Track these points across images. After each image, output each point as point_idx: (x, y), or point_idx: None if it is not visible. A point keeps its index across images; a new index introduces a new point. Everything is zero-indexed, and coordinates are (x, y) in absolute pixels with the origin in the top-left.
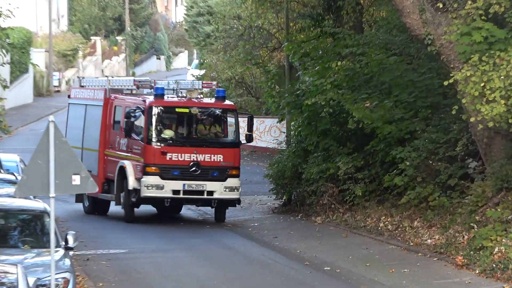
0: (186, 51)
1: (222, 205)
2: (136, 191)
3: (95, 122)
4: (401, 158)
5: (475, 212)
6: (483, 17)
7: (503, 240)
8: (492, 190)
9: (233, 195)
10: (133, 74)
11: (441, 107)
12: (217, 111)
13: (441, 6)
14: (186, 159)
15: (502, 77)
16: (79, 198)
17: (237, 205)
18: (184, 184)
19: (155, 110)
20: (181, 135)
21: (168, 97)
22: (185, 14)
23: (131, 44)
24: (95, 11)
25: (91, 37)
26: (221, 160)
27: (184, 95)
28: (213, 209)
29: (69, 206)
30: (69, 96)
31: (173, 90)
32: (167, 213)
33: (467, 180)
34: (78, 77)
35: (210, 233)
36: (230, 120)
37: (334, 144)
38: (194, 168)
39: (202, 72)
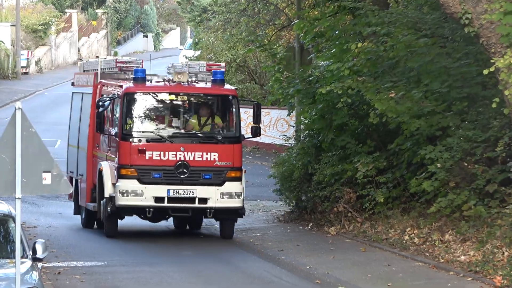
0: (178, 28)
1: (223, 217)
2: (112, 199)
3: (87, 115)
4: (431, 159)
5: None
6: None
7: None
8: None
9: (233, 203)
10: (115, 54)
11: (480, 99)
12: (213, 98)
13: None
14: (171, 158)
15: None
16: (77, 209)
17: (242, 216)
18: (168, 190)
19: (133, 98)
20: (165, 129)
21: (152, 81)
22: None
23: (113, 18)
24: None
25: (66, 10)
26: (216, 159)
27: (171, 78)
28: (218, 222)
29: (38, 209)
30: (72, 84)
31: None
32: (184, 228)
33: (509, 186)
34: (80, 59)
35: (204, 245)
36: (230, 109)
37: (352, 142)
38: (181, 170)
39: (197, 53)
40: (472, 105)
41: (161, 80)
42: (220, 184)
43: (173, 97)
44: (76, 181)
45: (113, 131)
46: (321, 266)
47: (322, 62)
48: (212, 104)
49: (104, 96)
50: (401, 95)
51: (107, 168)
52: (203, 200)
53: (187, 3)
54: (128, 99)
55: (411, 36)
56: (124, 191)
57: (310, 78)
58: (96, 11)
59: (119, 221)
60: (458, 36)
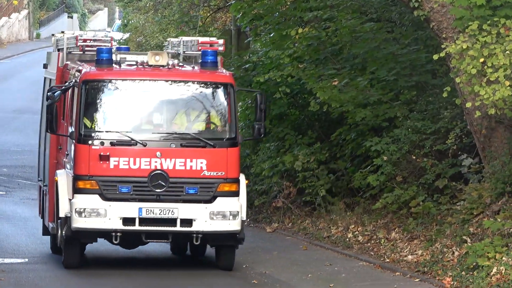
0: (106, 9)
1: (215, 243)
2: (68, 220)
3: None
4: (377, 151)
5: (468, 222)
6: None
7: (504, 258)
8: (491, 195)
9: (227, 226)
10: (38, 36)
11: (429, 88)
12: (202, 87)
13: None
14: (143, 166)
15: (507, 52)
16: (45, 229)
17: (242, 242)
18: (140, 209)
19: (94, 87)
20: (136, 128)
21: (121, 65)
22: None
23: None
24: None
25: None
26: (204, 167)
27: (145, 60)
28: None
29: None
30: (44, 66)
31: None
32: (184, 254)
33: (460, 181)
34: (53, 35)
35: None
36: (224, 101)
37: (291, 132)
38: (157, 182)
39: (126, 36)
40: (421, 94)
41: (134, 63)
42: (210, 201)
43: (148, 85)
44: (43, 192)
45: (70, 130)
46: (258, 265)
47: (260, 48)
48: (201, 95)
49: (57, 86)
50: (345, 83)
51: (63, 179)
52: (187, 222)
53: None
54: (87, 89)
55: (356, 21)
56: (82, 210)
57: (247, 66)
58: None
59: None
60: (407, 20)
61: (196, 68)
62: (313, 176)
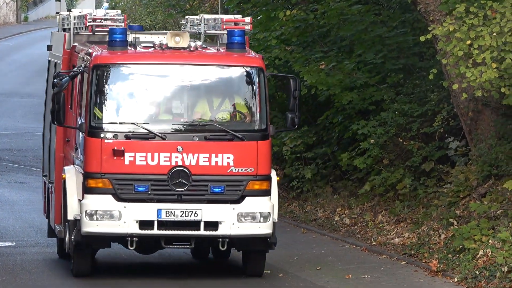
0: None
1: (244, 248)
2: (78, 223)
3: None
4: (364, 134)
5: (455, 205)
6: None
7: (490, 240)
8: (477, 178)
9: (257, 229)
10: (26, 19)
11: (416, 71)
12: (229, 72)
13: None
14: (163, 163)
15: (494, 34)
16: (50, 230)
17: (273, 247)
18: (159, 210)
19: (106, 72)
20: (154, 119)
21: (137, 47)
22: None
23: None
24: None
25: None
26: (231, 163)
27: (164, 42)
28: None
29: None
30: (48, 48)
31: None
32: (206, 257)
33: (447, 164)
34: (58, 12)
35: None
36: (254, 88)
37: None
38: (178, 180)
39: None
40: (408, 77)
41: (151, 45)
42: (238, 201)
43: (167, 70)
44: (49, 190)
45: (79, 121)
46: None
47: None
48: (227, 81)
49: (64, 71)
50: (332, 66)
51: (71, 177)
52: (212, 225)
53: None
54: (99, 74)
55: (343, 3)
56: (93, 212)
57: None
58: None
59: None
60: (394, 2)
61: (221, 50)
62: (300, 160)
